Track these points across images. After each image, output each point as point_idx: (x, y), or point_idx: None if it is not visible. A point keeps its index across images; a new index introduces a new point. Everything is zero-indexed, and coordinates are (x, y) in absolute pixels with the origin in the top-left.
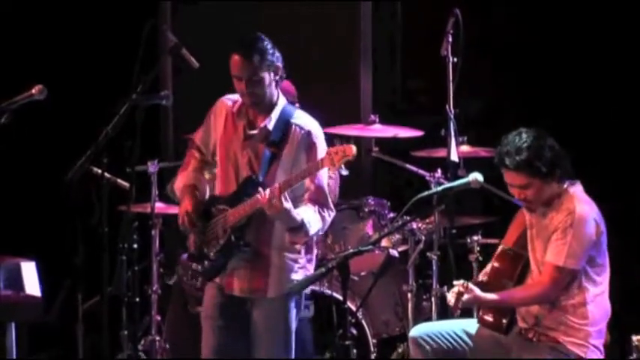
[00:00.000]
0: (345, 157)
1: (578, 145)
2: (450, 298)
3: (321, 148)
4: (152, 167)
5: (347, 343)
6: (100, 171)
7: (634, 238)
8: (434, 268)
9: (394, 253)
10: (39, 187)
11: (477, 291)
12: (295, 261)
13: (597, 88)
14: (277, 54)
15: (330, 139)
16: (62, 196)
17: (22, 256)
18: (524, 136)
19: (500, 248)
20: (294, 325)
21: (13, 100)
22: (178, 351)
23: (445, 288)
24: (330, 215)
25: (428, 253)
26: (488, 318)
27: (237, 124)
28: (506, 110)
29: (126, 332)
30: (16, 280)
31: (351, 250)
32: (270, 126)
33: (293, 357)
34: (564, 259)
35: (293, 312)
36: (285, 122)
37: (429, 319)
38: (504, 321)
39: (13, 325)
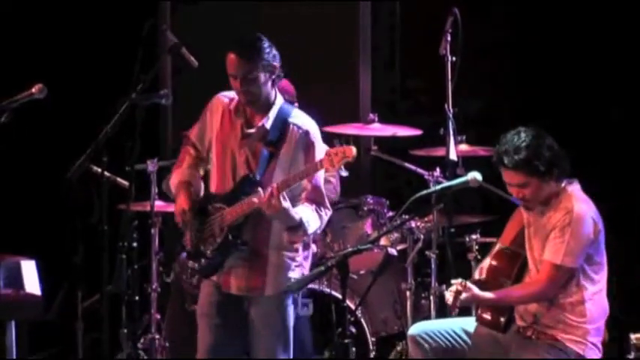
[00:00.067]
0: (344, 159)
1: (577, 144)
2: (449, 296)
3: (319, 148)
4: (151, 166)
5: (346, 341)
6: (99, 170)
7: (633, 237)
8: (432, 266)
9: (393, 251)
10: (39, 185)
11: (475, 290)
12: (293, 259)
13: (596, 88)
14: (274, 53)
15: (330, 139)
16: (62, 194)
17: (22, 254)
18: (522, 135)
19: (497, 247)
20: (292, 322)
21: (13, 99)
22: (177, 349)
23: (444, 286)
24: (327, 214)
25: (426, 252)
26: (487, 316)
27: (234, 122)
28: (504, 109)
29: (125, 330)
30: (16, 278)
31: (350, 249)
32: (268, 125)
33: (291, 354)
34: (562, 257)
35: (290, 309)
36: (282, 121)
37: (427, 317)
38: (502, 319)
39: (13, 323)
